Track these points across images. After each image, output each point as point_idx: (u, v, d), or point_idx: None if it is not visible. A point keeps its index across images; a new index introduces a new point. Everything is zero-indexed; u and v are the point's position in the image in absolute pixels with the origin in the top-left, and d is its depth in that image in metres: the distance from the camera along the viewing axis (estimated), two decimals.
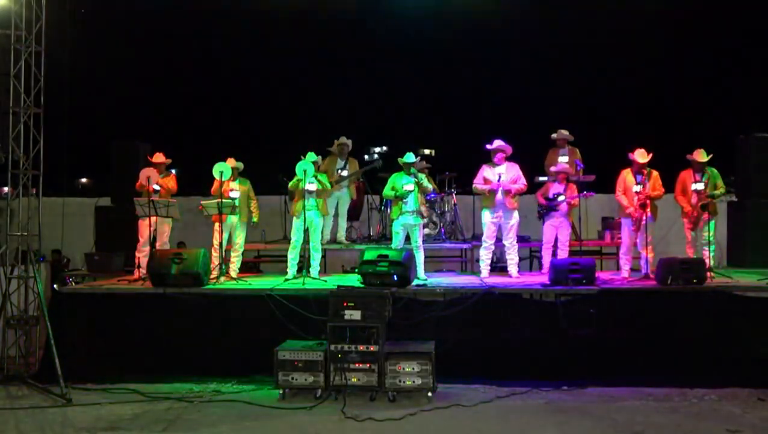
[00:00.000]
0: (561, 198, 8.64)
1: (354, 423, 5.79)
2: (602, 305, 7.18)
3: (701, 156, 8.35)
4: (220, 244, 8.45)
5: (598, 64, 15.02)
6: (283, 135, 15.19)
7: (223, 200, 8.34)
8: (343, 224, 10.09)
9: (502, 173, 8.32)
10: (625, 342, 7.04)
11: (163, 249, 8.49)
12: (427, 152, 10.78)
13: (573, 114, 13.93)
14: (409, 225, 8.25)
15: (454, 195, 10.55)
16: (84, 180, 21.28)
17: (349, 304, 6.45)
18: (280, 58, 15.93)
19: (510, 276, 8.37)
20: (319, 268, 8.54)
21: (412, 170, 8.20)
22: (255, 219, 8.93)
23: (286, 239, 9.44)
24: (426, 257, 8.51)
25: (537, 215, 9.02)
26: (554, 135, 9.82)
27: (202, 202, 8.52)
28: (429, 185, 8.40)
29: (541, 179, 9.38)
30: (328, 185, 8.70)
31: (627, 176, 8.36)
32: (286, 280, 8.21)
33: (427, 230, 9.87)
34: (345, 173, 9.92)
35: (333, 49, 15.85)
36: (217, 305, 7.47)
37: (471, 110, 16.02)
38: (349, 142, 10.13)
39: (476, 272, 8.90)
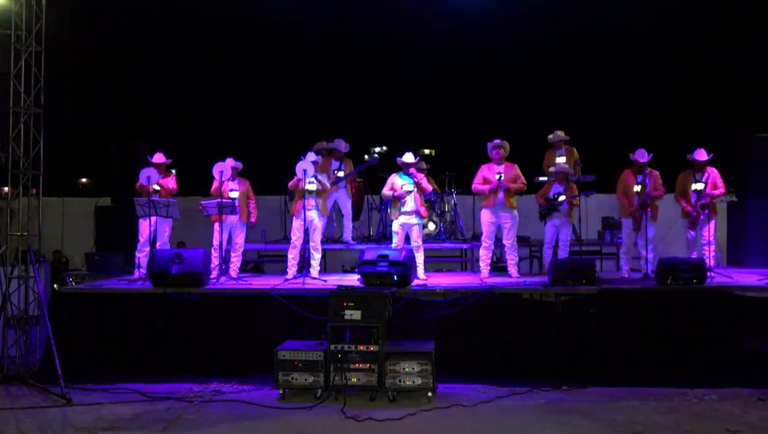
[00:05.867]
0: (562, 198, 8.65)
1: (354, 423, 5.79)
2: (602, 305, 7.18)
3: (701, 156, 8.36)
4: (220, 244, 8.45)
5: (598, 64, 15.04)
6: (283, 135, 15.20)
7: (223, 200, 8.34)
8: (349, 224, 10.10)
9: (501, 173, 8.32)
10: (625, 342, 7.04)
11: (163, 249, 8.49)
12: (427, 152, 10.79)
13: (573, 114, 13.94)
14: (408, 225, 8.25)
15: (454, 195, 10.55)
16: (84, 180, 21.29)
17: (349, 304, 6.44)
18: (280, 58, 15.94)
19: (510, 276, 8.38)
20: (319, 268, 8.54)
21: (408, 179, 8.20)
22: (253, 219, 8.93)
23: (286, 239, 9.44)
24: (426, 257, 8.50)
25: (539, 216, 9.03)
26: (550, 136, 9.83)
27: (202, 202, 8.52)
28: (428, 186, 8.41)
29: (541, 179, 9.38)
30: (328, 185, 8.69)
31: (627, 176, 8.37)
32: (286, 280, 8.21)
33: (427, 230, 9.88)
34: (341, 173, 9.93)
35: (333, 49, 15.86)
36: (217, 305, 7.47)
37: (471, 110, 16.02)
38: (345, 145, 10.11)
39: (476, 272, 8.90)
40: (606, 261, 10.26)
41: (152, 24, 14.83)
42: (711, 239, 8.30)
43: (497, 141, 8.41)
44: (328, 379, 6.40)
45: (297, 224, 8.34)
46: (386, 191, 8.32)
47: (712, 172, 8.42)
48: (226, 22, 15.08)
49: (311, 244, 8.39)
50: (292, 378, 6.46)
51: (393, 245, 8.23)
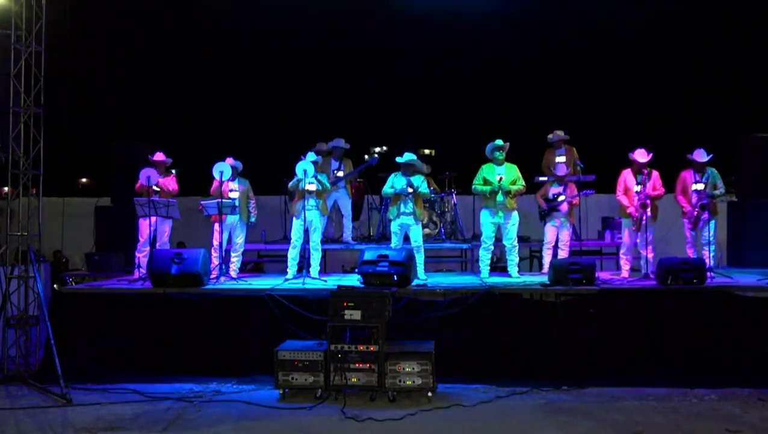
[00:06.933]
0: (561, 198, 8.66)
1: (354, 423, 5.79)
2: (602, 305, 7.18)
3: (701, 156, 8.36)
4: (220, 244, 8.45)
5: (598, 64, 15.04)
6: (283, 135, 15.21)
7: (223, 200, 8.34)
8: (349, 224, 10.11)
9: (501, 174, 8.32)
10: (625, 342, 7.03)
11: (162, 249, 8.49)
12: (427, 152, 10.81)
13: (573, 114, 13.94)
14: (407, 225, 8.25)
15: (454, 195, 10.55)
16: (84, 180, 21.30)
17: (349, 304, 6.44)
18: (281, 59, 15.95)
19: (510, 276, 8.37)
20: (319, 268, 8.54)
21: (412, 179, 8.19)
22: (253, 219, 8.94)
23: (286, 239, 9.44)
24: (426, 257, 8.50)
25: (539, 217, 9.03)
26: (550, 136, 9.81)
27: (202, 202, 8.52)
28: (426, 190, 8.39)
29: (541, 179, 9.38)
30: (328, 185, 8.70)
31: (627, 176, 8.37)
32: (286, 280, 8.21)
33: (427, 230, 9.87)
34: (341, 174, 9.94)
35: (334, 49, 15.87)
36: (217, 305, 7.46)
37: (471, 110, 16.03)
38: (345, 144, 10.12)
39: (476, 272, 8.90)
40: (606, 261, 10.25)
41: (152, 24, 14.83)
42: (711, 239, 8.30)
43: (498, 142, 8.42)
44: (328, 379, 6.39)
45: (297, 224, 8.34)
46: (387, 189, 8.32)
47: (712, 172, 8.42)
48: (226, 22, 15.08)
49: (311, 244, 8.39)
50: (292, 378, 6.46)
51: (393, 245, 8.23)
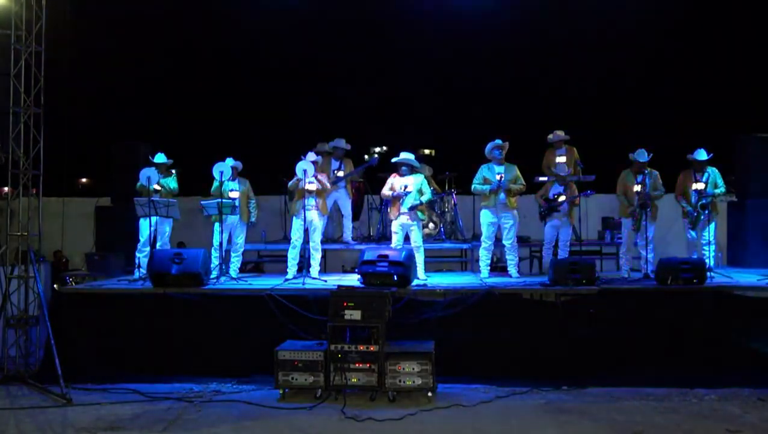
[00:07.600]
0: (561, 198, 8.66)
1: (354, 423, 5.79)
2: (602, 305, 7.18)
3: (701, 156, 8.37)
4: (220, 244, 8.45)
5: (598, 63, 15.02)
6: (283, 135, 15.20)
7: (223, 200, 8.34)
8: (349, 224, 10.11)
9: (501, 174, 8.32)
10: (625, 342, 7.04)
11: (163, 249, 8.48)
12: (427, 152, 10.79)
13: (572, 114, 13.93)
14: (407, 225, 8.26)
15: (454, 195, 10.56)
16: (84, 180, 21.27)
17: (349, 304, 6.45)
18: (281, 58, 15.93)
19: (510, 276, 8.37)
20: (319, 268, 8.54)
21: (413, 177, 8.19)
22: (253, 219, 8.94)
23: (286, 239, 9.44)
24: (426, 257, 8.50)
25: (539, 217, 9.03)
26: (550, 136, 9.79)
27: (202, 202, 8.52)
28: (430, 196, 8.40)
29: (541, 179, 9.38)
30: (328, 185, 8.70)
31: (627, 176, 8.37)
32: (286, 280, 8.21)
33: (427, 230, 9.87)
34: (341, 174, 9.93)
35: (333, 49, 15.86)
36: (217, 305, 7.47)
37: (471, 110, 16.02)
38: (346, 144, 10.12)
39: (476, 272, 8.90)
40: (606, 261, 10.25)
41: (152, 24, 14.82)
42: (711, 239, 8.30)
43: (497, 141, 8.42)
44: (328, 379, 6.40)
45: (297, 224, 8.34)
46: (386, 191, 8.33)
47: (713, 172, 8.43)
48: (226, 22, 15.07)
49: (311, 244, 8.39)
50: (292, 378, 6.46)
51: (393, 245, 8.23)
